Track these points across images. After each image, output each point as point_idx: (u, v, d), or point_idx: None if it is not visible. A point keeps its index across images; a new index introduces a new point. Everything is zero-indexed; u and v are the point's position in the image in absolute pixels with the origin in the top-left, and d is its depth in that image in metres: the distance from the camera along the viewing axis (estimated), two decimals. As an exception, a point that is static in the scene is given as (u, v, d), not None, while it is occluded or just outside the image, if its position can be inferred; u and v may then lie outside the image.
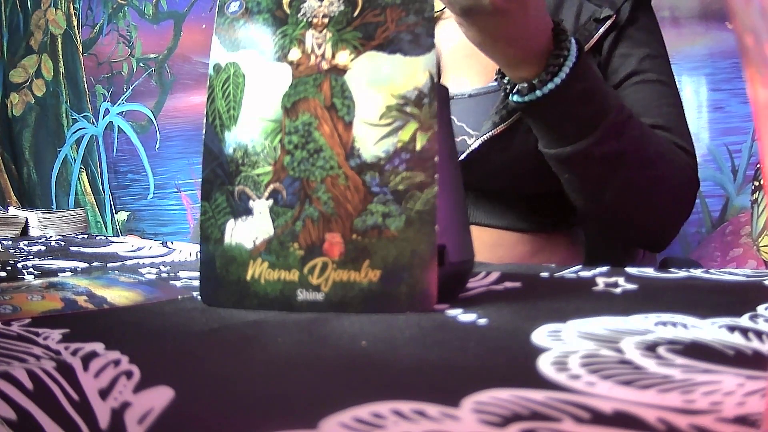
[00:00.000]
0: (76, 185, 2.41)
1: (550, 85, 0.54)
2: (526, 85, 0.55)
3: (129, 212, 2.28)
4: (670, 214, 0.67)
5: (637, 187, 0.61)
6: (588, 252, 0.76)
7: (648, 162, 0.61)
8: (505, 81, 0.58)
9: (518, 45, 0.53)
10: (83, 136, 2.38)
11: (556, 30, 0.55)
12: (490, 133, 0.67)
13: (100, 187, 2.35)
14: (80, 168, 2.40)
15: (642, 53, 0.70)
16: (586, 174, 0.60)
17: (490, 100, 0.69)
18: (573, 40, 0.55)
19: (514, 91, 0.57)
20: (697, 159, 0.69)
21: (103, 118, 2.31)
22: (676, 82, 0.72)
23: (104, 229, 2.33)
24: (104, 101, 2.30)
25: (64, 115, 2.43)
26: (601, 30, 0.69)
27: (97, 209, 2.36)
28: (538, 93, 0.55)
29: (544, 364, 0.25)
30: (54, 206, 2.45)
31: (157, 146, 2.16)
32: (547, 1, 0.72)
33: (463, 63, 0.74)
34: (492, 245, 0.71)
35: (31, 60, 2.49)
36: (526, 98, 0.56)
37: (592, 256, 0.76)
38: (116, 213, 2.30)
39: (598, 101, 0.57)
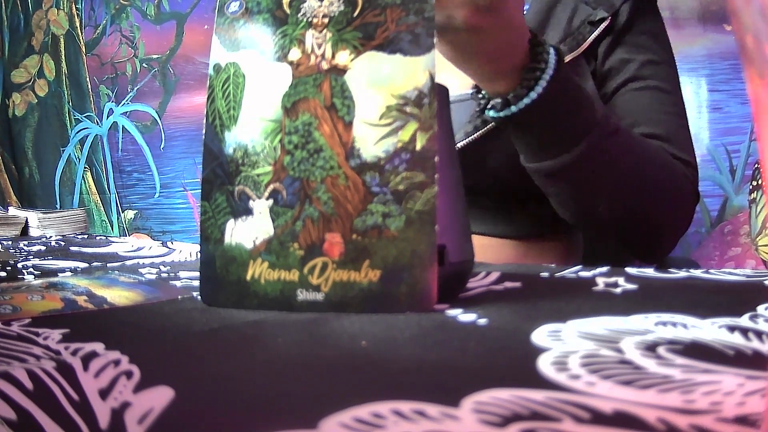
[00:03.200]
0: (81, 185, 2.42)
1: (526, 100, 0.52)
2: (500, 101, 0.53)
3: (136, 211, 2.28)
4: (665, 227, 0.64)
5: (628, 200, 0.59)
6: (586, 259, 0.75)
7: (639, 174, 0.59)
8: (480, 96, 0.56)
9: (493, 60, 0.51)
10: (87, 136, 2.39)
11: (533, 42, 0.52)
12: (461, 143, 0.64)
13: (105, 186, 2.36)
14: (85, 167, 2.40)
15: (643, 58, 0.66)
16: (570, 188, 0.58)
17: (466, 108, 0.66)
18: (552, 52, 0.52)
19: (489, 106, 0.55)
20: (698, 161, 0.67)
21: (107, 118, 2.32)
22: (681, 90, 0.68)
23: (110, 229, 2.33)
24: (108, 101, 2.31)
25: (67, 115, 2.43)
26: (595, 33, 0.65)
27: (102, 208, 2.36)
28: (513, 109, 0.52)
29: (544, 364, 0.25)
30: (58, 206, 2.46)
31: (162, 146, 2.17)
32: (541, 2, 0.70)
33: (443, 67, 0.72)
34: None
35: (33, 60, 2.49)
36: (501, 114, 0.53)
37: (589, 262, 0.75)
38: (123, 212, 2.31)
39: (579, 114, 0.54)
